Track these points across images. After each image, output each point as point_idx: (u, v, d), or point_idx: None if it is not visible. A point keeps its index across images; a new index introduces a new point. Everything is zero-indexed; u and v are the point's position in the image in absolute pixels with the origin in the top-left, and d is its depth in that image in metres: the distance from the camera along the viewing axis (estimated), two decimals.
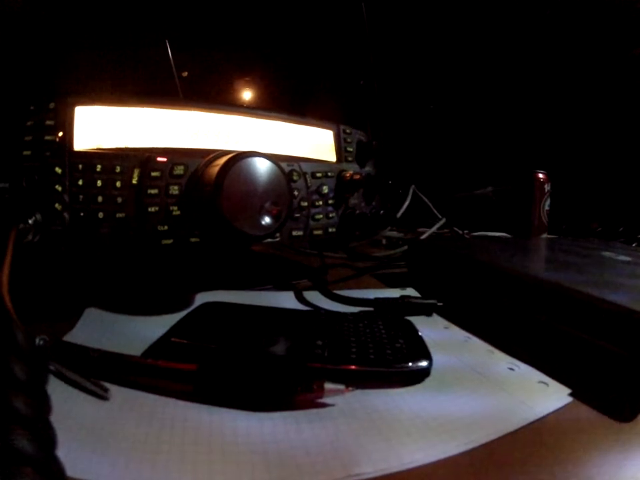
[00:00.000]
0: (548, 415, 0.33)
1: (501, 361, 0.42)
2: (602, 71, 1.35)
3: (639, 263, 0.63)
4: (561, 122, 1.42)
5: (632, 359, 0.37)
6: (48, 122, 0.48)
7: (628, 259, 0.65)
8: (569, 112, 1.41)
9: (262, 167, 0.51)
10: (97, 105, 0.51)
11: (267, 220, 0.51)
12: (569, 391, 0.36)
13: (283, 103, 1.58)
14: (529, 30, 1.41)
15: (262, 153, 0.52)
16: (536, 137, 1.43)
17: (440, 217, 1.10)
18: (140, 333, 0.44)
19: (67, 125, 0.48)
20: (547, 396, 0.35)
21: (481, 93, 1.51)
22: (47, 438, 0.20)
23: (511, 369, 0.40)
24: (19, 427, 0.19)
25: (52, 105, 0.48)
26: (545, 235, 1.08)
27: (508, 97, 1.48)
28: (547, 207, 1.07)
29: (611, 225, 1.19)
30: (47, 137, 0.47)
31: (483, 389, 0.36)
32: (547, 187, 1.07)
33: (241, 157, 0.49)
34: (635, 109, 1.31)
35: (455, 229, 1.07)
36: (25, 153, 0.47)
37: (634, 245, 1.02)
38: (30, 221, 0.44)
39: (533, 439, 0.30)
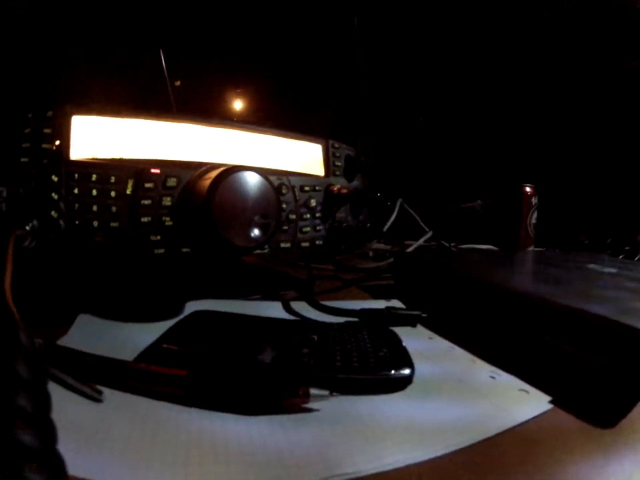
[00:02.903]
0: (528, 421, 0.33)
1: (483, 370, 0.42)
2: (594, 84, 1.36)
3: (623, 275, 0.64)
4: (548, 135, 1.43)
5: (612, 368, 0.38)
6: (45, 130, 0.49)
7: (613, 270, 0.66)
8: (556, 125, 1.42)
9: (252, 180, 0.52)
10: (94, 115, 0.52)
11: (256, 232, 0.52)
12: (549, 398, 0.37)
13: (273, 114, 1.59)
14: (518, 43, 1.43)
15: (252, 167, 0.53)
16: (523, 150, 1.44)
17: (427, 229, 1.11)
18: (131, 339, 0.44)
19: (63, 134, 0.50)
20: (527, 403, 0.36)
21: (469, 106, 1.53)
22: (49, 434, 0.21)
23: (492, 377, 0.41)
24: (23, 423, 0.20)
25: (50, 114, 0.50)
26: (531, 248, 1.09)
27: (495, 111, 1.49)
28: (533, 220, 1.09)
29: (599, 237, 1.20)
30: (45, 145, 0.48)
31: (464, 396, 0.37)
32: (534, 200, 1.09)
33: (232, 170, 0.51)
34: (624, 121, 1.32)
35: (442, 241, 1.08)
36: (23, 159, 0.48)
37: (621, 256, 1.03)
38: (27, 227, 0.45)
39: (513, 444, 0.31)
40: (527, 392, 0.38)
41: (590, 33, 1.34)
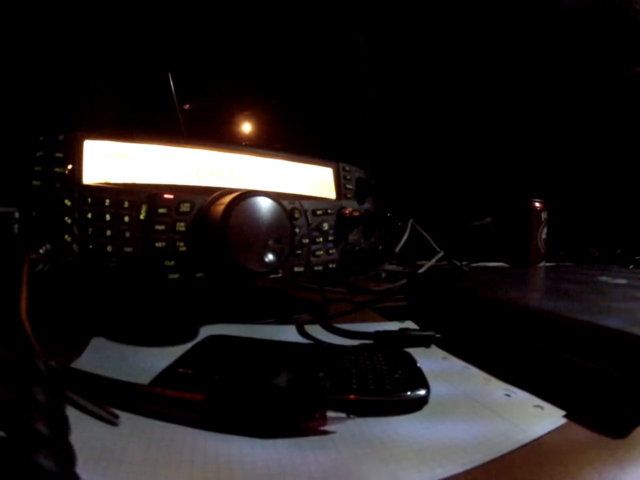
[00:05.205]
0: (543, 436, 0.33)
1: (498, 388, 0.42)
2: (598, 94, 1.37)
3: (634, 285, 0.64)
4: (554, 149, 1.43)
5: (624, 380, 0.38)
6: (57, 154, 0.49)
7: (624, 282, 0.66)
8: (562, 138, 1.42)
9: (265, 205, 0.52)
10: (105, 139, 0.53)
11: (270, 257, 0.52)
12: (563, 412, 0.37)
13: (281, 137, 1.60)
14: (523, 58, 1.43)
15: (265, 192, 0.53)
16: (530, 165, 1.44)
17: (438, 249, 1.11)
18: (145, 363, 0.45)
19: (76, 158, 0.50)
20: (542, 418, 0.36)
21: (476, 124, 1.53)
22: (67, 457, 0.21)
23: (508, 395, 0.41)
24: (41, 448, 0.20)
25: (61, 137, 0.50)
26: (542, 263, 1.09)
27: (501, 128, 1.50)
28: (544, 236, 1.09)
29: (609, 249, 1.20)
30: (57, 169, 0.49)
31: (480, 414, 0.37)
32: (543, 216, 1.09)
33: (245, 196, 0.51)
34: (630, 132, 1.32)
35: (454, 260, 1.08)
36: (35, 183, 0.48)
37: (631, 266, 1.03)
38: (40, 251, 0.45)
39: (528, 460, 0.31)
40: (542, 408, 0.38)
41: (594, 41, 1.35)
